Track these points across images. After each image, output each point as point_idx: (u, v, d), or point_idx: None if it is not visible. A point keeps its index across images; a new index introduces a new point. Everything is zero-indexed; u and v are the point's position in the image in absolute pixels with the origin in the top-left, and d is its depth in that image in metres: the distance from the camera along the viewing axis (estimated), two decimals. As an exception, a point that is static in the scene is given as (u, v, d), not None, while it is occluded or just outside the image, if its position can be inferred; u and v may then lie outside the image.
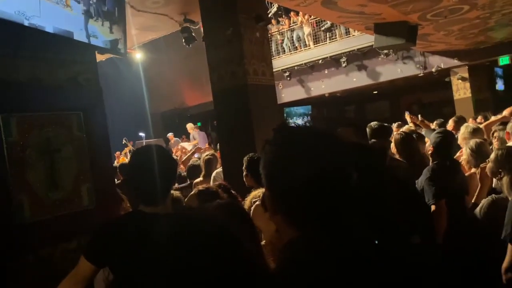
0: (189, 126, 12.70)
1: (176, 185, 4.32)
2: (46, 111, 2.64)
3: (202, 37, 5.02)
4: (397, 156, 3.61)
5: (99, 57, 7.43)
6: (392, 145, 3.69)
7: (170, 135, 13.10)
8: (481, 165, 3.00)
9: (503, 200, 2.54)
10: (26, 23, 2.44)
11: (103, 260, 1.78)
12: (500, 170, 2.53)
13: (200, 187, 2.68)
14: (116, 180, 4.49)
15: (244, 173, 3.29)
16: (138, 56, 16.09)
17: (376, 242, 0.89)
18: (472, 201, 2.99)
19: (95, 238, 1.84)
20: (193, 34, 6.31)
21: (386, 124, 3.74)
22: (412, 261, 0.87)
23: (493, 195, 2.78)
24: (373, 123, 3.64)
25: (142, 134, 13.13)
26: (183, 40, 6.39)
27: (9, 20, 2.36)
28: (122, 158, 10.48)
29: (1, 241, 2.31)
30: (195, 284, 0.78)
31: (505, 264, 2.17)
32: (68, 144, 2.77)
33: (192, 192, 2.64)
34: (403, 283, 0.80)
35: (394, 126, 6.80)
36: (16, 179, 2.45)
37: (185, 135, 13.86)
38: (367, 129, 3.51)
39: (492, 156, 2.63)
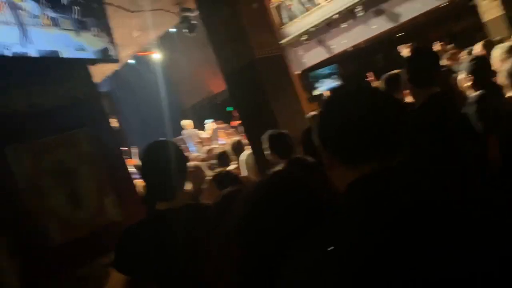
0: (185, 123, 12.05)
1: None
2: (51, 134, 2.64)
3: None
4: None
5: (113, 67, 7.50)
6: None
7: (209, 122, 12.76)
8: None
9: None
10: (8, 53, 2.42)
11: (131, 267, 1.76)
12: None
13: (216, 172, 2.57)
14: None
15: (267, 152, 3.13)
16: (157, 56, 16.25)
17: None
18: None
19: (119, 246, 1.83)
20: (194, 22, 6.17)
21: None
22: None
23: None
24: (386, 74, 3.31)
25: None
26: (186, 30, 6.26)
27: (-10, 54, 2.35)
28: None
29: (35, 266, 2.36)
30: None
31: None
32: (82, 161, 2.78)
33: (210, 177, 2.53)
34: (461, 227, 0.74)
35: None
36: (37, 207, 2.48)
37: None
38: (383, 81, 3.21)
39: None
